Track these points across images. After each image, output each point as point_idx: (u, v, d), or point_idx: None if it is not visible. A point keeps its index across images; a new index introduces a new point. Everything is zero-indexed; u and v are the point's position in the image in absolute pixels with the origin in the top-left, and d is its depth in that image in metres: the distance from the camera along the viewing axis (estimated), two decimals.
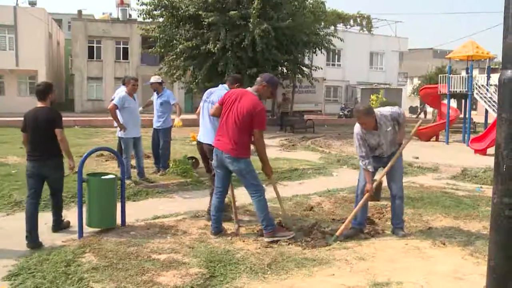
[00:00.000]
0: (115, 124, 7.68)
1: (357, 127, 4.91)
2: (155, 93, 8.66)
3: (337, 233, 4.82)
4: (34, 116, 5.00)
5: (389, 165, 4.96)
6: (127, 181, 7.36)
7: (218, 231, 4.91)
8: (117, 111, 7.58)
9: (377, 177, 5.20)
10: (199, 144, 5.74)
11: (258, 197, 4.75)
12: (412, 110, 40.83)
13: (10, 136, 16.01)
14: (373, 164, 4.96)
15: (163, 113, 8.50)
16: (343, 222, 5.40)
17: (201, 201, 6.49)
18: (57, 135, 4.97)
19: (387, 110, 4.97)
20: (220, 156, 4.74)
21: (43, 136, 4.94)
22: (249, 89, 4.87)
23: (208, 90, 5.86)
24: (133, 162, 8.19)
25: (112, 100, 7.82)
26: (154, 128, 8.58)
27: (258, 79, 4.89)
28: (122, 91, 7.84)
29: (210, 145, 5.58)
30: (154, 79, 8.64)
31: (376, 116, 4.78)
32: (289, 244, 4.63)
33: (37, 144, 4.96)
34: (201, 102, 5.79)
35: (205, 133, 5.59)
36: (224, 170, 4.84)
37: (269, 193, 5.37)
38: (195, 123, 7.42)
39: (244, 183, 4.79)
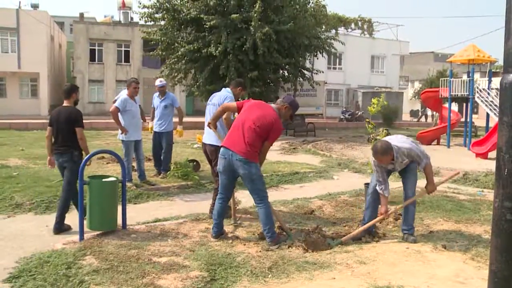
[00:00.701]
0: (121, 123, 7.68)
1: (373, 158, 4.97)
2: (156, 97, 8.68)
3: (343, 239, 4.83)
4: (58, 113, 5.59)
5: (405, 203, 5.05)
6: (128, 184, 7.37)
7: (219, 234, 4.90)
8: (119, 113, 7.60)
9: (392, 207, 5.29)
10: (204, 145, 5.83)
11: (264, 205, 4.73)
12: (413, 113, 40.88)
13: (12, 138, 16.05)
14: (388, 189, 5.03)
15: (166, 116, 8.51)
16: (344, 226, 5.40)
17: (202, 204, 6.49)
18: (77, 133, 5.51)
19: (406, 147, 4.84)
20: (229, 159, 4.66)
21: (64, 132, 5.50)
22: (273, 105, 4.92)
23: (213, 94, 6.09)
24: (134, 164, 8.19)
25: (114, 102, 7.85)
26: (156, 132, 8.58)
27: (280, 99, 4.97)
28: (124, 93, 7.85)
29: (212, 145, 5.64)
30: (162, 82, 8.63)
31: (393, 151, 4.74)
32: (289, 247, 4.63)
33: (59, 139, 5.55)
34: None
35: (208, 134, 5.68)
36: (230, 176, 4.81)
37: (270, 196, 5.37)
38: (196, 126, 7.44)
39: (250, 188, 4.74)
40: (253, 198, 4.83)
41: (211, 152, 5.72)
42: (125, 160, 7.52)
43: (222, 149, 4.76)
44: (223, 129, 5.57)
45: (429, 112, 35.09)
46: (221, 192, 4.95)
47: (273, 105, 4.93)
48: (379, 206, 5.08)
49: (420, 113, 39.37)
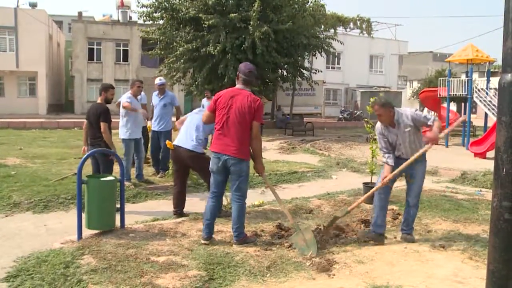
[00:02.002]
0: (123, 122, 7.79)
1: (378, 123, 4.97)
2: (155, 95, 8.68)
3: (349, 208, 5.00)
4: (90, 109, 6.53)
5: (408, 161, 4.79)
6: (127, 183, 7.38)
7: (210, 236, 4.77)
8: (123, 110, 7.72)
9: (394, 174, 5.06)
10: (178, 150, 5.84)
11: (241, 202, 4.70)
12: None
13: (10, 137, 16.01)
14: (393, 159, 4.89)
15: (165, 115, 8.53)
16: (342, 226, 5.40)
17: (200, 203, 6.48)
18: (101, 127, 6.26)
19: (409, 110, 4.87)
20: (223, 160, 4.60)
21: (92, 126, 6.37)
22: (238, 86, 4.73)
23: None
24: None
25: (118, 104, 8.13)
26: (154, 131, 8.58)
27: (240, 74, 4.73)
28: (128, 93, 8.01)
29: (190, 150, 5.70)
30: (161, 80, 8.68)
31: (394, 112, 4.74)
32: (289, 247, 4.63)
33: (90, 132, 6.42)
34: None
35: (185, 139, 5.84)
36: (224, 175, 4.74)
37: (269, 196, 5.36)
38: None
39: (234, 184, 4.67)
40: (233, 195, 4.75)
41: (189, 158, 5.72)
42: (125, 159, 7.55)
43: (213, 153, 4.70)
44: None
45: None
46: (214, 190, 4.82)
47: (239, 86, 4.72)
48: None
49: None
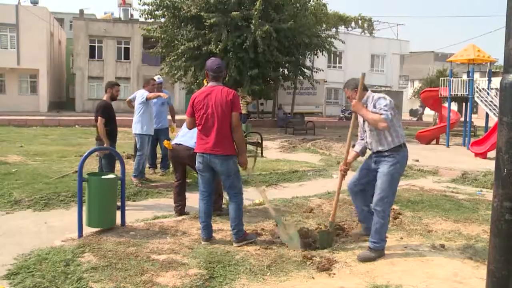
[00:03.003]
0: (138, 118, 7.90)
1: None
2: None
3: (331, 218, 4.73)
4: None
5: (358, 146, 4.65)
6: (135, 181, 7.46)
7: (209, 237, 4.71)
8: (140, 106, 7.86)
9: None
10: (178, 149, 5.87)
11: (238, 198, 4.66)
12: (412, 113, 40.90)
13: (11, 135, 16.02)
14: (361, 147, 4.67)
15: (163, 113, 8.62)
16: (343, 225, 5.40)
17: None
18: (98, 121, 6.51)
19: (377, 95, 4.44)
20: (207, 159, 4.57)
21: (95, 121, 6.63)
22: (210, 84, 4.66)
23: None
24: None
25: (129, 101, 8.73)
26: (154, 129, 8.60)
27: (210, 72, 4.64)
28: (143, 92, 8.15)
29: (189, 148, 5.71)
30: (160, 79, 8.75)
31: (362, 94, 4.43)
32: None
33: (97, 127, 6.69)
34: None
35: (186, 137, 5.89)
36: (210, 172, 4.68)
37: (270, 194, 5.36)
38: None
39: (227, 184, 4.64)
40: (228, 193, 4.71)
41: (188, 157, 5.72)
42: (139, 154, 7.68)
43: (197, 153, 4.67)
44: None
45: (427, 111, 35.13)
46: (202, 189, 4.74)
47: (211, 83, 4.65)
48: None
49: (420, 113, 39.47)
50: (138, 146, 7.87)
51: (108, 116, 6.51)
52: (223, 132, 4.50)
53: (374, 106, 4.31)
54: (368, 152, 4.68)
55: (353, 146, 4.76)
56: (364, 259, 4.21)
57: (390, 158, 4.31)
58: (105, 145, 6.40)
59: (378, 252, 4.29)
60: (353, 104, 4.38)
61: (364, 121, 4.48)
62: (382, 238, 4.36)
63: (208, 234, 4.68)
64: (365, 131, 4.53)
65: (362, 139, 4.64)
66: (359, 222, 5.10)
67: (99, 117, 6.47)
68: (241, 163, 4.68)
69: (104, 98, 6.77)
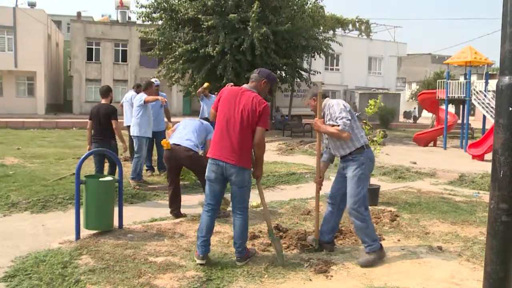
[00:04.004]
0: (136, 120, 7.90)
1: None
2: None
3: (315, 236, 4.63)
4: (97, 110, 7.07)
5: (325, 156, 4.63)
6: (133, 183, 7.48)
7: (206, 254, 4.16)
8: (138, 108, 7.86)
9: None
10: (175, 149, 5.78)
11: (243, 216, 4.21)
12: (406, 115, 40.95)
13: (8, 137, 15.99)
14: (328, 155, 4.64)
15: (160, 115, 8.74)
16: (340, 227, 5.40)
17: (198, 205, 6.48)
18: (113, 124, 6.95)
19: (336, 101, 4.40)
20: (222, 168, 4.10)
21: (103, 125, 6.96)
22: (245, 86, 4.30)
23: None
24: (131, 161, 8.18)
25: (121, 104, 8.96)
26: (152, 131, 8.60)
27: (255, 75, 4.31)
28: (130, 93, 8.33)
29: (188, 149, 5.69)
30: (157, 81, 8.77)
31: (322, 102, 4.41)
32: (288, 247, 4.63)
33: (98, 130, 7.01)
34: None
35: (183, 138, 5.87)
36: (222, 184, 4.25)
37: (267, 197, 5.36)
38: None
39: (237, 195, 4.21)
40: (234, 207, 4.26)
41: (186, 158, 5.66)
42: (137, 156, 7.71)
43: (211, 159, 4.19)
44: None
45: (424, 113, 35.23)
46: (210, 202, 4.26)
47: (246, 85, 4.31)
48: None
49: (417, 115, 39.59)
50: (135, 149, 7.91)
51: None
52: (244, 142, 4.09)
53: (330, 114, 4.33)
54: (337, 159, 4.67)
55: (321, 156, 4.73)
56: (365, 264, 4.14)
57: (354, 162, 4.31)
58: (123, 144, 7.34)
59: (376, 253, 4.25)
60: (314, 124, 4.42)
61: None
62: (373, 238, 4.30)
63: (205, 251, 4.15)
64: (326, 138, 4.53)
65: (328, 148, 4.62)
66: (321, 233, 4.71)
67: (115, 120, 6.95)
68: (257, 176, 4.36)
69: (105, 102, 7.17)
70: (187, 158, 5.69)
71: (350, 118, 4.23)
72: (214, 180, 4.19)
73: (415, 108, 41.90)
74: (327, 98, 4.52)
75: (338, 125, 4.21)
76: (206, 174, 4.25)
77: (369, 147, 4.47)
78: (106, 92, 7.23)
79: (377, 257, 4.23)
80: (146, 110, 7.88)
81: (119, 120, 7.16)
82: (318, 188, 4.68)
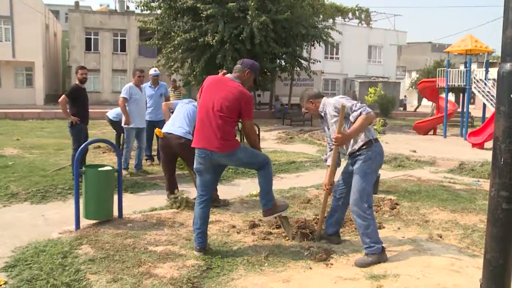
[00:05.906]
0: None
1: None
2: (148, 86, 8.68)
3: (317, 233, 4.56)
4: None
5: (329, 169, 4.38)
6: (124, 172, 7.41)
7: (204, 246, 4.14)
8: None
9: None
10: (168, 138, 5.80)
11: (264, 169, 4.16)
12: (400, 103, 40.86)
13: (7, 128, 15.96)
14: (336, 160, 4.41)
15: (160, 104, 8.58)
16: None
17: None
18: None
19: (336, 99, 4.25)
20: (209, 157, 4.04)
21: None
22: (229, 75, 4.23)
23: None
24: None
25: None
26: (151, 121, 8.56)
27: (238, 66, 4.24)
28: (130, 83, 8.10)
29: (180, 137, 5.66)
30: (156, 71, 8.73)
31: (319, 103, 4.30)
32: (287, 238, 4.63)
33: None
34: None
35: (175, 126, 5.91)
36: (213, 173, 4.20)
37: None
38: None
39: (249, 168, 4.28)
40: (257, 170, 4.25)
41: (178, 145, 5.64)
42: (125, 147, 7.68)
43: (197, 149, 4.12)
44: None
45: (424, 102, 35.15)
46: (202, 192, 4.21)
47: (230, 75, 4.23)
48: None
49: (405, 102, 40.03)
50: (124, 139, 7.97)
51: (70, 98, 7.54)
52: (225, 132, 4.00)
53: (335, 108, 4.15)
54: (344, 163, 4.52)
55: (325, 160, 4.58)
56: (361, 265, 3.92)
57: (362, 156, 4.12)
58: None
59: (375, 256, 3.98)
60: (336, 139, 4.07)
61: (328, 129, 4.33)
62: (375, 240, 4.02)
63: (202, 243, 4.13)
64: (328, 136, 4.39)
65: (331, 150, 4.40)
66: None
67: (63, 95, 7.51)
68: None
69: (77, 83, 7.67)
70: (179, 146, 5.65)
71: (356, 103, 4.10)
72: (204, 171, 4.15)
73: (405, 96, 42.01)
74: (323, 98, 4.37)
75: (359, 114, 4.01)
76: (194, 166, 4.19)
77: (378, 141, 4.25)
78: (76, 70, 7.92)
79: (376, 260, 3.97)
80: (133, 101, 7.84)
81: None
82: (327, 194, 4.49)
